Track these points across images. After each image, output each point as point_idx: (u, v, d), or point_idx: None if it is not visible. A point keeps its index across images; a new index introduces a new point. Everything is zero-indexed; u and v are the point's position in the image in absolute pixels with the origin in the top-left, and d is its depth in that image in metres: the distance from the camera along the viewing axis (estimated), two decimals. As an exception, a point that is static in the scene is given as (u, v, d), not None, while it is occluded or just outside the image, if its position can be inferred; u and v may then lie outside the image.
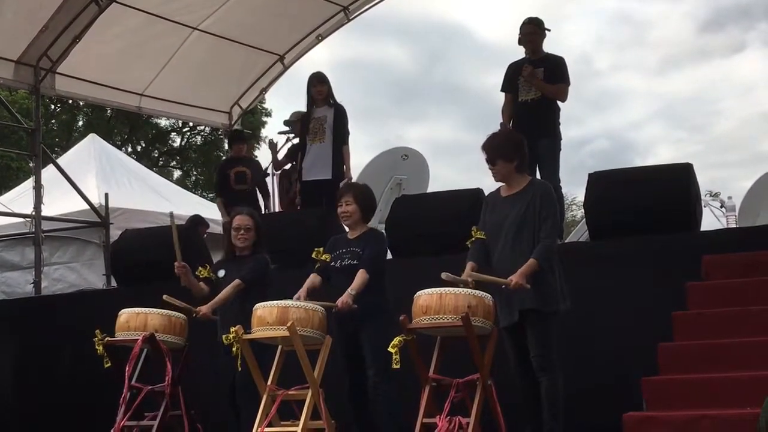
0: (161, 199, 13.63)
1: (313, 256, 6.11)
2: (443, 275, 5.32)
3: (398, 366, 5.37)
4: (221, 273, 6.58)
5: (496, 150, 5.60)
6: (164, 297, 6.40)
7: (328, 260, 6.07)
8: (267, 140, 9.75)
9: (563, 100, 8.33)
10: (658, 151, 56.43)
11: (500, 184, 5.72)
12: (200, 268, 6.58)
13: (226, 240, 6.73)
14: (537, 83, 8.21)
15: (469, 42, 54.91)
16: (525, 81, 8.26)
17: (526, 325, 5.40)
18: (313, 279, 6.09)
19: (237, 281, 6.35)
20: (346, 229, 6.43)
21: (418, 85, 54.89)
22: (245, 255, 6.61)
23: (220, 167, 11.06)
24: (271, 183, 9.98)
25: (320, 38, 12.72)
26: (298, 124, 9.79)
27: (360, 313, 5.84)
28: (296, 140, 10.00)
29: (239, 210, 6.88)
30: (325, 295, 6.03)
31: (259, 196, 10.37)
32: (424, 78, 53.92)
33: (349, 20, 12.50)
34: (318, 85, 9.10)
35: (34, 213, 10.81)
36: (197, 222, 10.51)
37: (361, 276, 5.90)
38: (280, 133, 10.44)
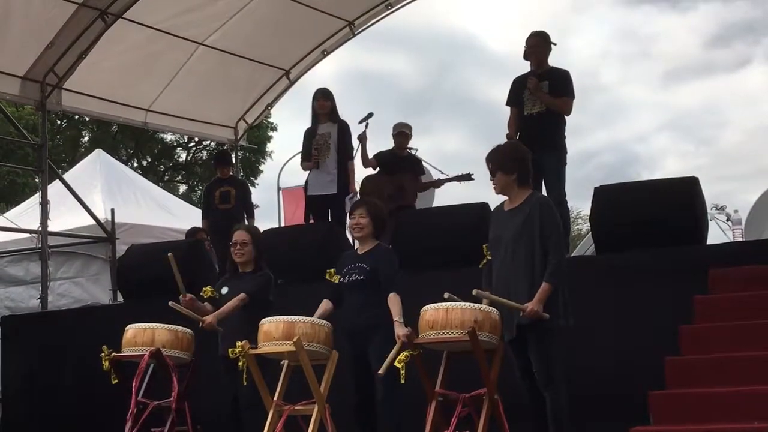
0: (167, 214, 13.64)
1: (327, 278, 6.08)
2: (474, 292, 5.34)
3: (403, 381, 5.36)
4: (224, 290, 6.57)
5: (495, 162, 5.60)
6: (170, 303, 6.37)
7: (337, 281, 6.04)
8: (358, 136, 9.41)
9: (568, 113, 8.33)
10: (665, 164, 56.54)
11: (502, 197, 5.71)
12: (204, 288, 6.56)
13: (229, 256, 6.72)
14: (542, 96, 8.21)
15: (476, 54, 55.16)
16: (530, 94, 8.27)
17: (528, 340, 5.38)
18: (325, 306, 6.05)
19: (242, 294, 6.34)
20: (353, 243, 6.42)
21: (426, 98, 55.04)
22: (248, 271, 6.60)
23: (206, 188, 11.13)
24: (277, 200, 9.92)
25: (326, 53, 12.79)
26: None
27: (371, 328, 5.84)
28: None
29: (238, 226, 6.89)
30: (336, 315, 6.02)
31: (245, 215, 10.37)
32: (432, 91, 54.08)
33: (355, 35, 12.56)
34: (322, 99, 9.14)
35: (40, 228, 10.83)
36: (196, 232, 10.53)
37: (395, 300, 5.83)
38: (360, 122, 9.70)
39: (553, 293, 5.33)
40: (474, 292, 5.37)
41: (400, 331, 5.60)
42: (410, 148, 10.06)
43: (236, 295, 6.41)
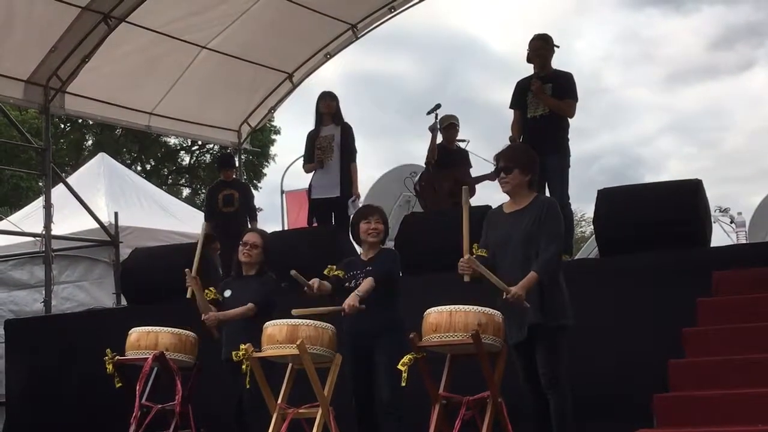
0: (171, 217, 13.65)
1: (325, 272, 6.08)
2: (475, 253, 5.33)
3: (404, 384, 5.36)
4: (227, 293, 6.58)
5: (513, 159, 5.55)
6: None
7: (340, 276, 6.02)
8: (429, 126, 9.27)
9: (571, 115, 8.32)
10: (669, 166, 56.48)
11: (504, 200, 5.68)
12: (206, 290, 6.56)
13: (235, 256, 6.72)
14: (545, 99, 8.21)
15: (478, 57, 55.09)
16: (533, 97, 8.27)
17: (535, 341, 5.36)
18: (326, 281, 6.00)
19: (251, 305, 6.33)
20: (357, 248, 6.40)
21: (429, 101, 54.84)
22: (251, 275, 6.60)
23: (209, 190, 11.12)
24: (281, 202, 9.92)
25: (329, 56, 12.81)
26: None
27: (375, 331, 5.83)
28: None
29: (252, 228, 6.88)
30: (337, 317, 6.00)
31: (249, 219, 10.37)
32: (435, 93, 54.06)
33: (358, 38, 12.58)
34: (327, 100, 9.15)
35: (44, 232, 10.84)
36: (210, 239, 10.52)
37: (368, 282, 5.84)
38: (428, 113, 9.61)
39: (558, 292, 5.33)
40: (475, 251, 5.36)
41: (351, 300, 5.68)
42: (461, 140, 9.93)
43: (239, 299, 6.41)
